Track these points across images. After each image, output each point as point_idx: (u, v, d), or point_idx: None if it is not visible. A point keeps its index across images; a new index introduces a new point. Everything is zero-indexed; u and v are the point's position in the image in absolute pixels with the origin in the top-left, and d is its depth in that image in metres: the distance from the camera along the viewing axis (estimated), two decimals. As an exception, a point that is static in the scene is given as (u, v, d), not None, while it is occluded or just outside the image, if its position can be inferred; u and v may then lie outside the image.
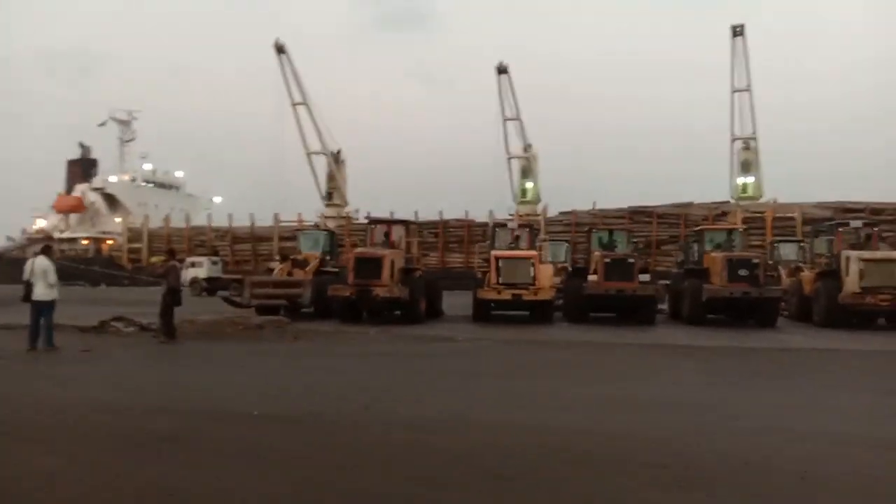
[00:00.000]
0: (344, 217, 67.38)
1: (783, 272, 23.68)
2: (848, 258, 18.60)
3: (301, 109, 65.27)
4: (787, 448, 5.54)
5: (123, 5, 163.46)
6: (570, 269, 22.72)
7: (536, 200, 65.81)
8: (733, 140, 54.85)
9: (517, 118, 62.34)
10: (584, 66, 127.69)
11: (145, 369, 10.42)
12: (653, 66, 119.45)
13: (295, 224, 66.17)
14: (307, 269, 22.31)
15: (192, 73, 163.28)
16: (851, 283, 18.13)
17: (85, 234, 64.20)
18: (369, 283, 19.24)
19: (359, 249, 20.65)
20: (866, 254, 18.49)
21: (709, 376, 9.71)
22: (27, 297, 12.37)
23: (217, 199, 74.70)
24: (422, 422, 6.22)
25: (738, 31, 50.07)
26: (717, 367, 10.77)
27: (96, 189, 67.40)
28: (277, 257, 25.41)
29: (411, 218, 64.91)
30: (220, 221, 66.10)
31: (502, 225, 22.87)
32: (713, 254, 20.35)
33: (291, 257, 22.94)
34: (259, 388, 8.10)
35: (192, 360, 11.26)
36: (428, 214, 63.46)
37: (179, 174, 73.95)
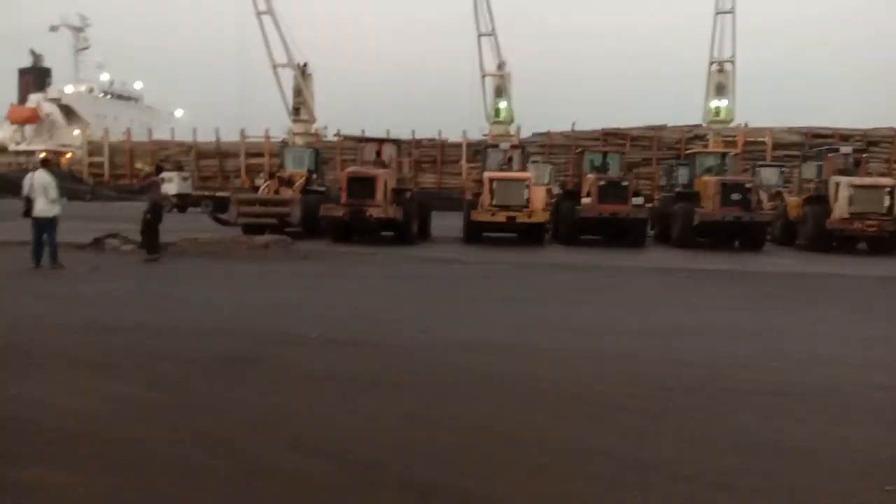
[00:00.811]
0: (313, 134, 65.94)
1: (764, 196, 24.03)
2: (837, 184, 18.93)
3: (266, 19, 62.56)
4: (868, 376, 5.61)
5: None
6: (561, 190, 22.67)
7: (510, 120, 65.14)
8: (711, 63, 54.56)
9: (492, 34, 60.80)
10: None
11: (168, 288, 10.08)
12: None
13: (262, 140, 64.68)
14: (294, 187, 21.86)
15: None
16: (840, 208, 18.51)
17: (42, 147, 61.56)
18: (363, 202, 18.94)
19: (351, 168, 20.17)
20: (856, 180, 18.84)
21: (741, 300, 9.84)
22: (28, 212, 11.91)
23: (179, 113, 72.19)
24: (489, 347, 6.15)
25: (727, -49, 49.11)
26: (742, 292, 10.86)
27: (52, 100, 64.18)
28: (262, 174, 24.81)
29: (382, 136, 63.86)
30: (184, 136, 64.17)
31: (494, 146, 22.56)
32: (705, 178, 20.46)
33: (277, 174, 22.40)
34: (301, 310, 7.92)
35: (212, 281, 10.94)
36: (399, 133, 62.17)
37: (138, 85, 70.91)
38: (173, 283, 10.64)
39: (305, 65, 64.86)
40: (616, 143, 55.23)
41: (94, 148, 60.35)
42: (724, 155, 22.51)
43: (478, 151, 60.23)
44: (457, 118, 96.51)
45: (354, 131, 65.41)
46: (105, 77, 67.32)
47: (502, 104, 63.79)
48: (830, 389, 5.15)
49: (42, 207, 11.95)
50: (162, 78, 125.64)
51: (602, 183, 19.76)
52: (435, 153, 63.01)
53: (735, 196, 19.19)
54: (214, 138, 65.05)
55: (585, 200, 20.01)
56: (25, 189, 12.05)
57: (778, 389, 5.01)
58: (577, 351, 6.16)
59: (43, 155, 16.46)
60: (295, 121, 65.03)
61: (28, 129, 63.69)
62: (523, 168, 21.45)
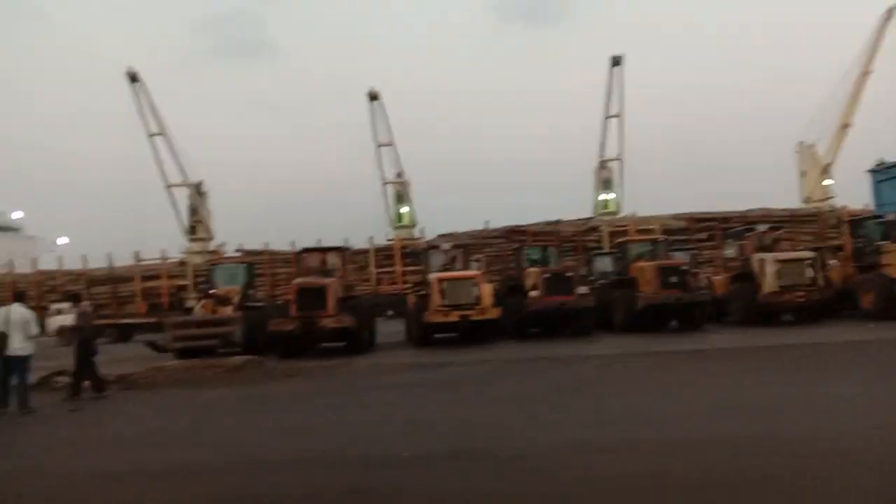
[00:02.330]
0: (211, 252, 64.17)
1: None
2: (762, 261, 20.35)
3: (159, 140, 61.81)
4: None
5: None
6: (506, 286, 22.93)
7: (412, 224, 66.35)
8: (601, 161, 58.55)
9: (390, 144, 62.71)
10: (450, 98, 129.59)
11: (184, 423, 8.94)
12: (518, 98, 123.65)
13: (157, 262, 62.10)
14: (231, 304, 20.96)
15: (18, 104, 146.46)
16: (769, 283, 19.83)
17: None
18: (314, 314, 18.42)
19: (300, 280, 19.64)
20: (781, 255, 20.35)
21: (759, 374, 10.08)
22: (1, 351, 10.67)
23: (62, 240, 68.20)
24: (603, 446, 5.92)
25: (617, 62, 53.88)
26: (740, 366, 11.14)
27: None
28: (194, 295, 23.66)
29: (288, 248, 63.09)
30: (72, 263, 60.50)
31: (435, 247, 22.72)
32: (640, 264, 21.44)
33: (213, 293, 21.41)
34: (357, 429, 7.23)
35: (222, 409, 9.90)
36: (303, 243, 61.78)
37: (18, 215, 66.73)
38: (180, 416, 9.51)
39: (201, 183, 63.98)
40: (519, 239, 57.32)
41: (-31, 283, 55.62)
42: (654, 241, 23.77)
43: (410, 254, 60.53)
44: (358, 225, 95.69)
45: (253, 245, 64.33)
46: (-20, 208, 63.08)
47: (404, 209, 65.07)
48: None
49: (19, 346, 10.84)
50: (39, 205, 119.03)
51: (548, 276, 20.26)
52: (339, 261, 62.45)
53: (673, 278, 20.19)
54: (105, 264, 61.70)
55: (533, 293, 20.37)
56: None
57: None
58: (698, 439, 6.06)
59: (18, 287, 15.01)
60: (192, 239, 63.25)
61: None
62: (466, 266, 21.70)
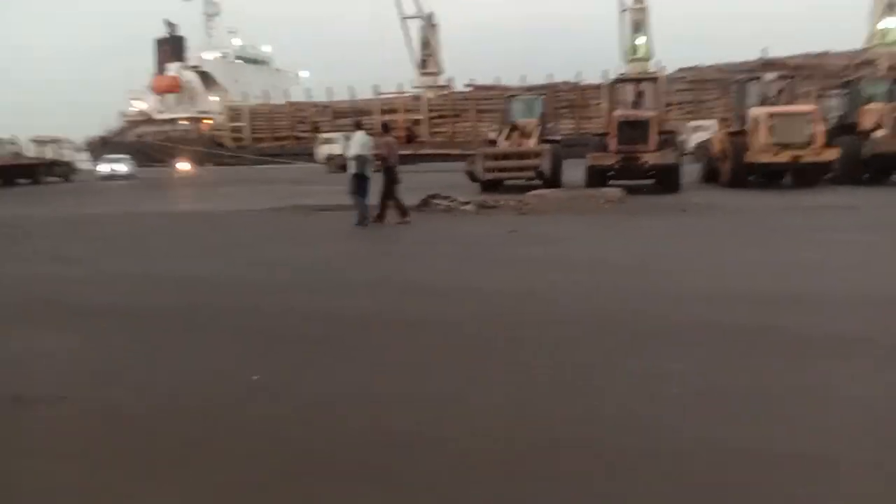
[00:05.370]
0: (442, 86, 64.90)
1: None
2: None
3: (395, -32, 61.50)
4: None
5: None
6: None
7: (648, 57, 62.20)
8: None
9: (634, -36, 57.64)
10: None
11: (648, 246, 8.67)
12: None
13: (392, 96, 64.15)
14: (531, 137, 20.71)
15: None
16: None
17: (184, 115, 62.87)
18: (635, 149, 17.64)
19: (620, 112, 18.67)
20: None
21: None
22: (364, 174, 11.69)
23: (304, 74, 72.35)
24: None
25: None
26: None
27: (191, 67, 65.30)
28: (495, 127, 23.80)
29: (515, 83, 61.95)
30: (317, 96, 64.19)
31: (755, 77, 20.47)
32: (870, 106, 18.43)
33: (518, 126, 21.24)
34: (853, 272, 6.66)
35: (656, 232, 9.86)
36: (535, 78, 60.47)
37: (267, 49, 71.13)
38: (647, 238, 9.36)
39: (432, 14, 63.63)
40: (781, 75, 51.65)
41: (233, 113, 61.40)
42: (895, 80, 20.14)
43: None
44: (588, 59, 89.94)
45: (490, 81, 63.71)
46: (237, 42, 67.76)
47: (640, 40, 60.77)
48: None
49: (371, 167, 11.93)
50: (279, 39, 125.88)
51: (902, 113, 17.68)
52: (574, 97, 60.96)
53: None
54: (348, 97, 64.88)
55: (877, 134, 17.99)
56: (357, 149, 11.81)
57: None
58: None
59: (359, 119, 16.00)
60: (423, 73, 64.08)
61: (169, 97, 65.20)
62: (792, 101, 19.50)
